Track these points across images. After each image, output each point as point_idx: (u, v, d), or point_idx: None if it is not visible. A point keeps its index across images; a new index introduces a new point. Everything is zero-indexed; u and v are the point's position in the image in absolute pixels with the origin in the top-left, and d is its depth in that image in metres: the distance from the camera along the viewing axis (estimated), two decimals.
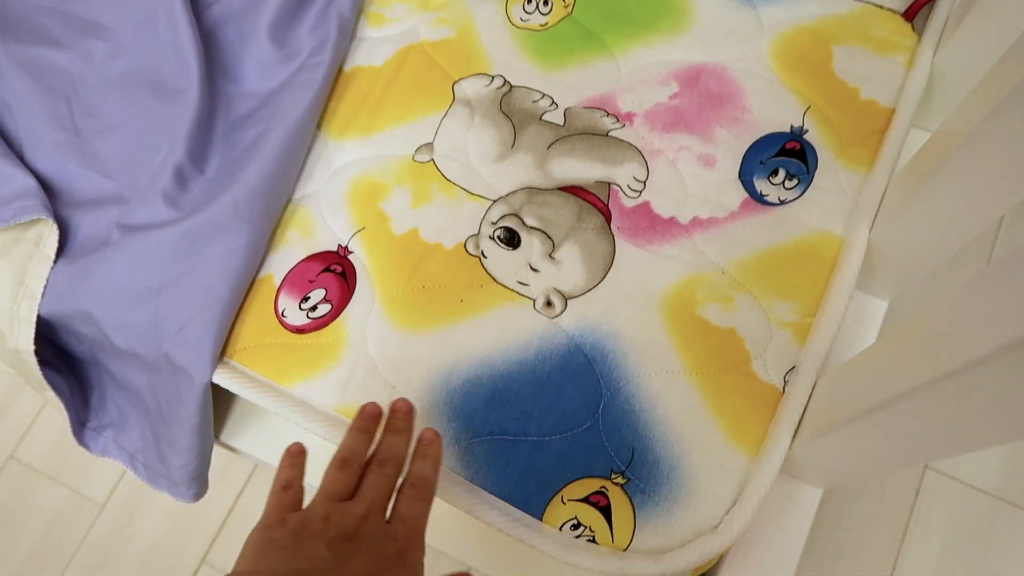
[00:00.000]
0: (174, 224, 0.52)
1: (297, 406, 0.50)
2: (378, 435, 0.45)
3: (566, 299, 0.52)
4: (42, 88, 0.58)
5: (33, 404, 0.89)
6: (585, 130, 0.57)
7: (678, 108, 0.57)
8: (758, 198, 0.54)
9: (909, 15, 0.58)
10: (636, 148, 0.56)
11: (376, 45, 0.61)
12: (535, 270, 0.53)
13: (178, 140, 0.55)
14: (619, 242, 0.53)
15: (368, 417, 0.46)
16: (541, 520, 0.47)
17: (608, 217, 0.54)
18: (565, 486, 0.48)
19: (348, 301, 0.53)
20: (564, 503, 0.47)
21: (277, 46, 0.60)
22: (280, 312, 0.53)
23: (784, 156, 0.54)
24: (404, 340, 0.51)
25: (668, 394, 0.49)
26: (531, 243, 0.53)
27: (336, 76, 0.60)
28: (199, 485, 0.57)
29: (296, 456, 0.44)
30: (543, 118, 0.57)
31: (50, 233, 0.52)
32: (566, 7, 0.61)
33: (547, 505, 0.47)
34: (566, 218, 0.54)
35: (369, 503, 0.40)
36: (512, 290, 0.52)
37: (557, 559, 0.45)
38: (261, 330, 0.52)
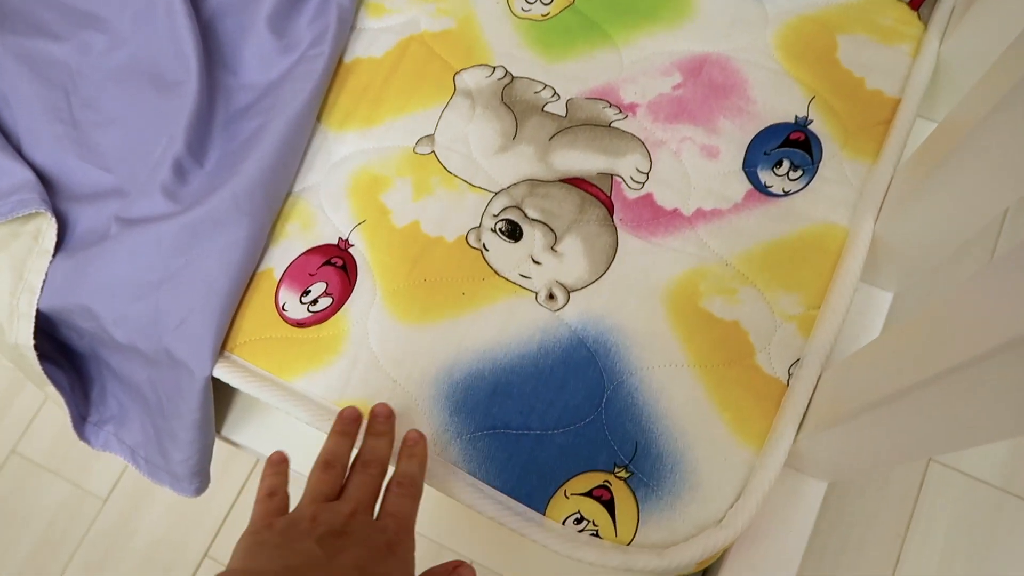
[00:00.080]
0: (173, 217, 0.52)
1: (298, 400, 0.50)
2: (359, 440, 0.46)
3: (568, 292, 0.51)
4: (40, 80, 0.58)
5: (35, 399, 0.89)
6: (587, 121, 0.56)
7: (681, 99, 0.56)
8: (762, 189, 0.53)
9: (915, 3, 0.58)
10: (639, 139, 0.55)
11: (376, 36, 0.61)
12: (537, 263, 0.52)
13: (177, 133, 0.55)
14: (622, 234, 0.53)
15: (347, 420, 0.46)
16: (544, 514, 0.47)
17: (611, 209, 0.53)
18: (568, 480, 0.47)
19: (349, 295, 0.53)
20: (567, 497, 0.47)
21: (276, 37, 0.59)
22: (281, 306, 0.53)
23: (788, 147, 0.54)
24: (405, 334, 0.51)
25: (672, 387, 0.48)
26: (533, 235, 0.53)
27: (336, 67, 0.59)
28: (201, 479, 0.56)
29: (278, 464, 0.45)
30: (545, 109, 0.57)
31: (49, 227, 0.52)
32: None
33: (550, 499, 0.47)
34: (568, 210, 0.53)
35: (356, 502, 0.40)
36: (514, 283, 0.52)
37: (560, 553, 0.45)
38: (262, 324, 0.52)
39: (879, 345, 0.40)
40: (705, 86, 0.56)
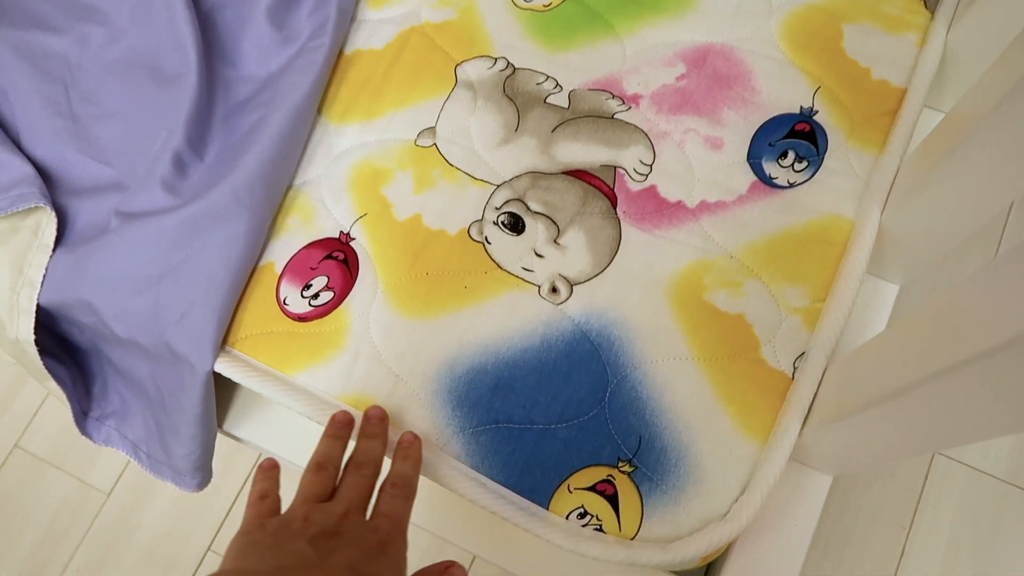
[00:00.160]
0: (173, 211, 0.51)
1: (300, 395, 0.50)
2: (352, 444, 0.46)
3: (571, 285, 0.51)
4: (39, 74, 0.57)
5: (37, 393, 0.89)
6: (590, 113, 0.56)
7: (685, 89, 0.56)
8: (767, 181, 0.53)
9: None
10: (642, 131, 0.55)
11: (377, 27, 0.60)
12: (540, 256, 0.52)
13: (177, 126, 0.54)
14: (625, 227, 0.52)
15: (339, 424, 0.47)
16: (547, 509, 0.47)
17: (614, 201, 0.53)
18: (571, 475, 0.47)
19: (350, 288, 0.52)
20: (570, 492, 0.47)
21: (276, 29, 0.59)
22: (282, 300, 0.52)
23: (794, 138, 0.53)
24: (407, 327, 0.51)
25: (676, 381, 0.48)
26: (536, 228, 0.52)
27: (336, 60, 0.59)
28: (203, 474, 0.56)
29: (269, 470, 0.45)
30: (547, 101, 0.56)
31: (48, 221, 0.52)
32: None
33: (553, 494, 0.47)
34: (571, 203, 0.53)
35: (349, 502, 0.40)
36: (517, 276, 0.51)
37: (563, 548, 0.45)
38: (263, 318, 0.52)
39: (885, 339, 0.40)
40: (709, 77, 0.56)
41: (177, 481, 0.56)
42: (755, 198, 0.52)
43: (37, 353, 0.51)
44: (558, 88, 0.57)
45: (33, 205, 0.51)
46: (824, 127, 0.54)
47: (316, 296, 0.52)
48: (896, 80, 0.54)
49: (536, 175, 0.54)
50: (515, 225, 0.53)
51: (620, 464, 0.47)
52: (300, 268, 0.53)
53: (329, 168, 0.56)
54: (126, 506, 0.84)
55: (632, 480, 0.47)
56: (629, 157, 0.54)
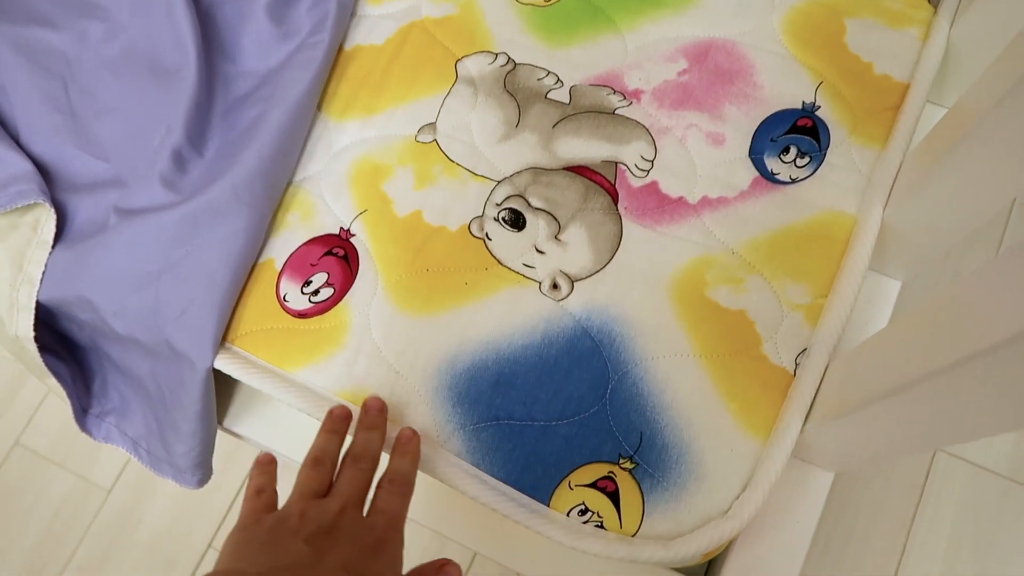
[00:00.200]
0: (173, 208, 0.51)
1: (300, 392, 0.50)
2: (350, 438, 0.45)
3: (572, 281, 0.51)
4: (38, 70, 0.57)
5: (38, 391, 0.89)
6: (591, 108, 0.55)
7: (686, 85, 0.55)
8: (769, 177, 0.52)
9: None
10: (643, 126, 0.54)
11: (376, 23, 0.60)
12: (541, 252, 0.52)
13: (176, 122, 0.54)
14: (626, 223, 0.52)
15: (337, 419, 0.46)
16: (548, 506, 0.46)
17: (615, 197, 0.53)
18: (572, 471, 0.47)
19: (351, 285, 0.52)
20: (571, 488, 0.46)
21: (275, 24, 0.58)
22: (282, 297, 0.52)
23: (796, 133, 0.53)
24: (408, 324, 0.51)
25: (677, 378, 0.48)
26: (536, 225, 0.52)
27: (336, 55, 0.59)
28: (203, 471, 0.56)
29: (266, 465, 0.45)
30: (548, 96, 0.56)
31: (48, 218, 0.52)
32: None
33: (554, 491, 0.47)
34: (572, 199, 0.53)
35: (345, 498, 0.40)
36: (517, 273, 0.51)
37: (564, 545, 0.45)
38: (263, 315, 0.52)
39: (887, 335, 0.40)
40: (711, 72, 0.56)
41: (177, 478, 0.56)
42: (757, 194, 0.52)
43: (37, 350, 0.51)
44: (559, 84, 0.56)
45: (32, 202, 0.51)
46: (826, 122, 0.53)
47: (316, 292, 0.52)
48: (899, 75, 0.54)
49: (537, 171, 0.54)
50: (516, 221, 0.52)
51: (621, 461, 0.47)
52: (300, 264, 0.53)
53: (329, 164, 0.56)
54: (127, 503, 0.84)
55: (633, 477, 0.46)
56: (630, 153, 0.54)
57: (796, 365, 0.48)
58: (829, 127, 0.53)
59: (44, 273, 0.51)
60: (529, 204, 0.53)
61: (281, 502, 0.42)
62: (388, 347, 0.50)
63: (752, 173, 0.53)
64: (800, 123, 0.53)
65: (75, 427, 0.57)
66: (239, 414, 0.62)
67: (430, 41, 0.59)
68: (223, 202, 0.51)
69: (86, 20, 0.58)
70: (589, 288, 0.50)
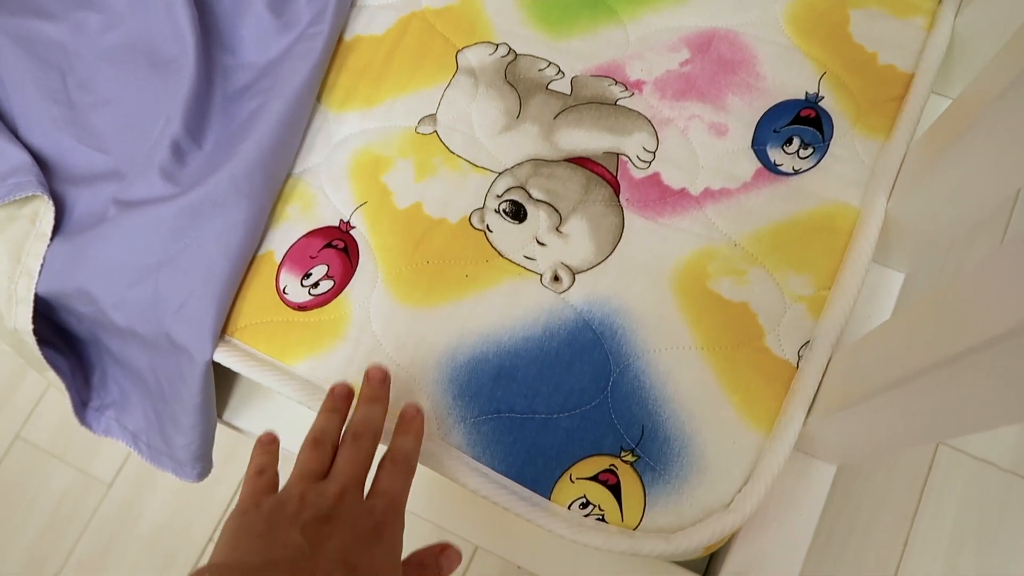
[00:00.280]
0: (172, 200, 0.51)
1: (300, 385, 0.49)
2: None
3: (574, 274, 0.50)
4: (35, 61, 0.57)
5: (38, 385, 0.88)
6: (593, 99, 0.55)
7: (689, 75, 0.55)
8: (772, 168, 0.52)
9: None
10: (645, 117, 0.54)
11: (376, 13, 0.60)
12: (542, 244, 0.51)
13: (175, 113, 0.54)
14: (628, 215, 0.52)
15: (338, 397, 0.45)
16: (549, 499, 0.46)
17: (616, 189, 0.52)
18: (574, 464, 0.47)
19: (351, 277, 0.52)
20: (573, 481, 0.46)
21: (275, 15, 0.58)
22: (281, 289, 0.52)
23: (799, 124, 0.53)
24: (408, 316, 0.50)
25: (679, 370, 0.48)
26: (538, 216, 0.52)
27: (336, 46, 0.58)
28: (203, 464, 0.56)
29: (268, 444, 0.44)
30: (549, 87, 0.56)
31: (46, 210, 0.51)
32: None
33: (555, 484, 0.46)
34: (573, 190, 0.52)
35: (345, 480, 0.39)
36: (518, 265, 0.51)
37: (566, 538, 0.45)
38: (262, 307, 0.51)
39: (890, 327, 0.39)
40: (713, 62, 0.55)
41: (177, 471, 0.56)
42: (759, 185, 0.52)
43: (35, 343, 0.51)
44: (560, 74, 0.56)
45: (30, 194, 0.51)
46: (830, 113, 0.53)
47: (316, 285, 0.52)
48: (903, 65, 0.54)
49: (538, 162, 0.53)
50: (517, 213, 0.52)
51: (623, 453, 0.47)
52: (300, 257, 0.53)
53: (329, 156, 0.56)
54: (127, 497, 0.84)
55: (635, 470, 0.46)
56: (632, 144, 0.53)
57: (799, 357, 0.48)
58: (832, 118, 0.53)
59: (42, 265, 0.51)
60: (530, 196, 0.52)
61: (283, 481, 0.41)
62: (388, 340, 0.50)
63: (755, 164, 0.52)
64: (803, 114, 0.53)
65: (75, 421, 0.57)
66: (239, 407, 0.62)
67: (430, 31, 0.58)
68: (222, 194, 0.50)
69: (84, 11, 0.58)
70: (590, 280, 0.50)
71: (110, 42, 0.58)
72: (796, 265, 0.49)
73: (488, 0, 0.59)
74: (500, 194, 0.53)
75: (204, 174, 0.52)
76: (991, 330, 0.27)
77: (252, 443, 0.45)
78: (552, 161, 0.53)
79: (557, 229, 0.51)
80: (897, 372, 0.35)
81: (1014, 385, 0.29)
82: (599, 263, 0.51)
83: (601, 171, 0.53)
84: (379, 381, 0.45)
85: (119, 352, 0.55)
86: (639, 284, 0.50)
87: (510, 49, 0.57)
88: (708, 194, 0.52)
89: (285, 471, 0.42)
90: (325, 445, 0.41)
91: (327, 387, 0.49)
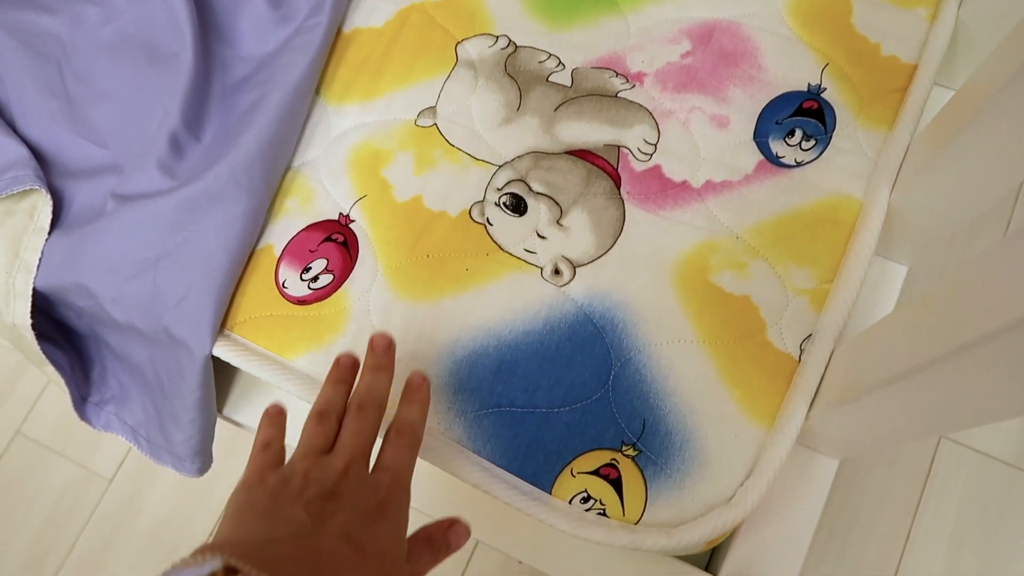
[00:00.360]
0: (170, 193, 0.50)
1: (300, 379, 0.49)
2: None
3: (574, 267, 0.50)
4: (32, 54, 0.56)
5: (39, 380, 0.88)
6: (593, 91, 0.54)
7: (690, 67, 0.55)
8: (774, 160, 0.52)
9: None
10: (646, 109, 0.54)
11: (375, 5, 0.59)
12: (542, 237, 0.51)
13: (173, 106, 0.53)
14: (629, 207, 0.51)
15: (344, 368, 0.44)
16: (550, 493, 0.46)
17: (617, 181, 0.52)
18: (575, 459, 0.46)
19: (350, 271, 0.52)
20: (574, 476, 0.46)
21: (273, 7, 0.57)
22: (281, 283, 0.52)
23: (801, 116, 0.52)
24: (408, 310, 0.50)
25: (680, 364, 0.47)
26: (538, 209, 0.51)
27: (335, 38, 0.58)
28: (203, 459, 0.56)
29: (275, 416, 0.43)
30: (550, 79, 0.55)
31: (44, 204, 0.51)
32: None
33: (556, 478, 0.46)
34: (574, 183, 0.52)
35: (350, 454, 0.38)
36: (519, 258, 0.51)
37: (567, 533, 0.44)
38: (262, 302, 0.51)
39: (893, 321, 0.39)
40: (715, 54, 0.55)
41: (177, 466, 0.56)
42: (761, 178, 0.51)
43: (34, 338, 0.51)
44: (560, 66, 0.56)
45: (28, 188, 0.50)
46: (832, 105, 0.52)
47: (315, 279, 0.51)
48: (906, 56, 0.53)
49: (538, 155, 0.53)
50: (517, 206, 0.52)
51: (624, 448, 0.46)
52: (299, 251, 0.52)
53: (328, 149, 0.55)
54: (128, 492, 0.84)
55: (636, 464, 0.46)
56: (633, 136, 0.53)
57: (801, 351, 0.47)
58: (835, 109, 0.52)
59: (41, 260, 0.51)
60: (530, 189, 0.52)
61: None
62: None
63: (757, 156, 0.52)
64: (805, 105, 0.53)
65: (76, 416, 0.57)
66: (239, 402, 0.62)
67: (430, 24, 0.58)
68: (221, 187, 0.50)
69: (82, 4, 0.58)
70: (591, 273, 0.50)
71: (108, 35, 0.57)
72: (798, 258, 0.49)
73: None
74: (500, 187, 0.52)
75: (202, 167, 0.51)
76: (994, 323, 0.27)
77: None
78: (552, 154, 0.53)
79: (558, 222, 0.51)
80: (900, 366, 0.35)
81: (1017, 378, 0.29)
82: (600, 256, 0.50)
83: (602, 164, 0.52)
84: (383, 349, 0.44)
85: (118, 347, 0.55)
86: (640, 277, 0.50)
87: (510, 41, 0.57)
88: (710, 186, 0.51)
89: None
90: (330, 417, 0.41)
91: None
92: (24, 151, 0.52)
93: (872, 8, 0.55)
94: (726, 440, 0.46)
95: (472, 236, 0.51)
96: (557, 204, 0.51)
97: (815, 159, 0.51)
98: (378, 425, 0.41)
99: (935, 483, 0.77)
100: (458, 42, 0.57)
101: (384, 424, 0.41)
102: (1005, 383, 0.30)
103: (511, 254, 0.51)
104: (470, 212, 0.52)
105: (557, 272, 0.50)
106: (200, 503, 0.82)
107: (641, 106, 0.54)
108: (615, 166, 0.52)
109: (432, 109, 0.55)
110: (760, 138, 0.52)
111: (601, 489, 0.46)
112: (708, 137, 0.53)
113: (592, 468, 0.46)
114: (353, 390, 0.43)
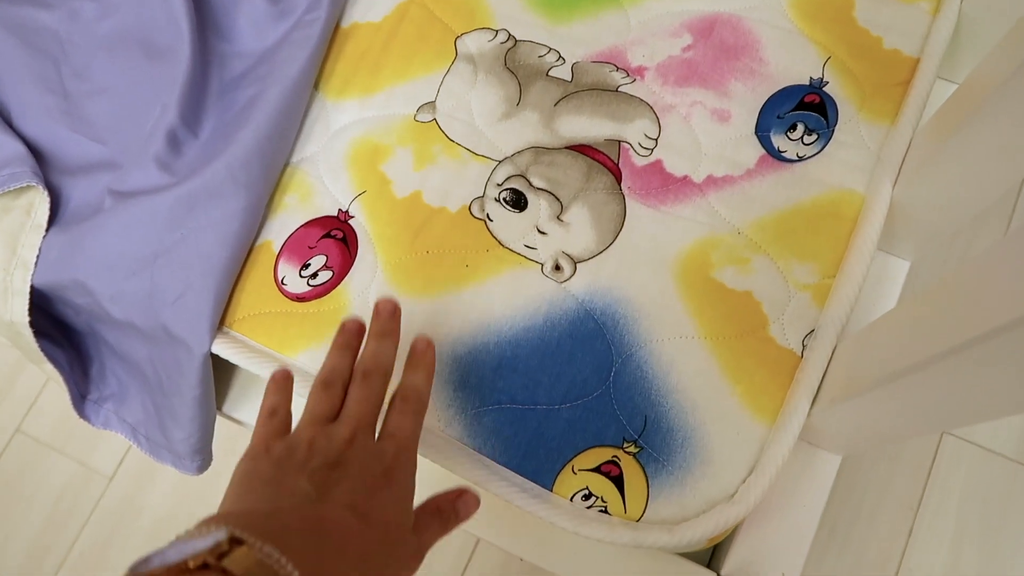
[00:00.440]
0: (168, 189, 0.50)
1: (299, 376, 0.49)
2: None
3: (575, 263, 0.50)
4: (29, 50, 0.56)
5: (38, 378, 0.88)
6: (594, 86, 0.54)
7: (691, 61, 0.54)
8: (775, 155, 0.51)
9: None
10: (647, 104, 0.53)
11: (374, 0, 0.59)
12: (543, 233, 0.51)
13: (170, 102, 0.53)
14: (630, 203, 0.51)
15: (350, 333, 0.43)
16: (551, 491, 0.46)
17: (618, 177, 0.52)
18: (576, 456, 0.46)
19: (350, 267, 0.51)
20: (575, 473, 0.46)
21: (271, 2, 0.57)
22: (280, 280, 0.51)
23: (803, 110, 0.52)
24: (408, 307, 0.50)
25: (682, 360, 0.47)
26: (538, 205, 0.51)
27: (333, 33, 0.57)
28: (203, 457, 0.56)
29: (281, 381, 0.42)
30: (550, 74, 0.55)
31: (41, 201, 0.51)
32: None
33: (557, 475, 0.46)
34: (574, 178, 0.52)
35: (355, 422, 0.38)
36: (519, 254, 0.50)
37: (568, 531, 0.44)
38: (261, 298, 0.51)
39: (895, 316, 0.39)
40: (716, 47, 0.54)
41: (177, 464, 0.56)
42: (763, 172, 0.51)
43: (32, 335, 0.51)
44: (561, 61, 0.55)
45: (25, 184, 0.50)
46: (834, 98, 0.52)
47: (315, 275, 0.51)
48: (908, 50, 0.53)
49: (538, 150, 0.53)
50: (517, 202, 0.51)
51: (625, 445, 0.46)
52: (298, 247, 0.52)
53: (327, 145, 0.55)
54: (128, 490, 0.83)
55: (638, 461, 0.46)
56: (634, 131, 0.53)
57: (803, 347, 0.47)
58: (837, 103, 0.52)
59: (38, 257, 0.50)
60: (531, 184, 0.52)
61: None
62: None
63: (758, 151, 0.52)
64: (807, 99, 0.52)
65: (75, 414, 0.56)
66: (238, 399, 0.62)
67: (429, 18, 0.58)
68: (219, 183, 0.50)
69: None
70: (592, 269, 0.50)
71: (105, 30, 0.57)
72: (800, 253, 0.49)
73: None
74: (500, 182, 0.52)
75: (201, 163, 0.51)
76: (997, 319, 0.27)
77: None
78: (553, 149, 0.53)
79: (558, 218, 0.51)
80: (902, 361, 0.35)
81: (1021, 375, 0.29)
82: (601, 252, 0.50)
83: (602, 158, 0.52)
84: (389, 314, 0.43)
85: (117, 344, 0.54)
86: (641, 273, 0.49)
87: (510, 35, 0.56)
88: (711, 181, 0.51)
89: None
90: (335, 385, 0.40)
91: None
92: (21, 147, 0.51)
93: (874, 1, 0.54)
94: (728, 437, 0.46)
95: (472, 232, 0.51)
96: (557, 199, 0.51)
97: (817, 153, 0.51)
98: (384, 391, 0.40)
99: (937, 479, 0.77)
100: (457, 36, 0.57)
101: (391, 389, 0.41)
102: (1008, 379, 0.30)
103: (511, 250, 0.51)
104: (470, 208, 0.52)
105: (558, 268, 0.50)
106: (200, 501, 0.82)
107: (642, 100, 0.53)
108: (616, 161, 0.52)
109: (431, 104, 0.55)
110: (762, 132, 0.52)
111: (602, 486, 0.45)
112: (709, 131, 0.52)
113: (593, 465, 0.46)
114: (359, 356, 0.42)
